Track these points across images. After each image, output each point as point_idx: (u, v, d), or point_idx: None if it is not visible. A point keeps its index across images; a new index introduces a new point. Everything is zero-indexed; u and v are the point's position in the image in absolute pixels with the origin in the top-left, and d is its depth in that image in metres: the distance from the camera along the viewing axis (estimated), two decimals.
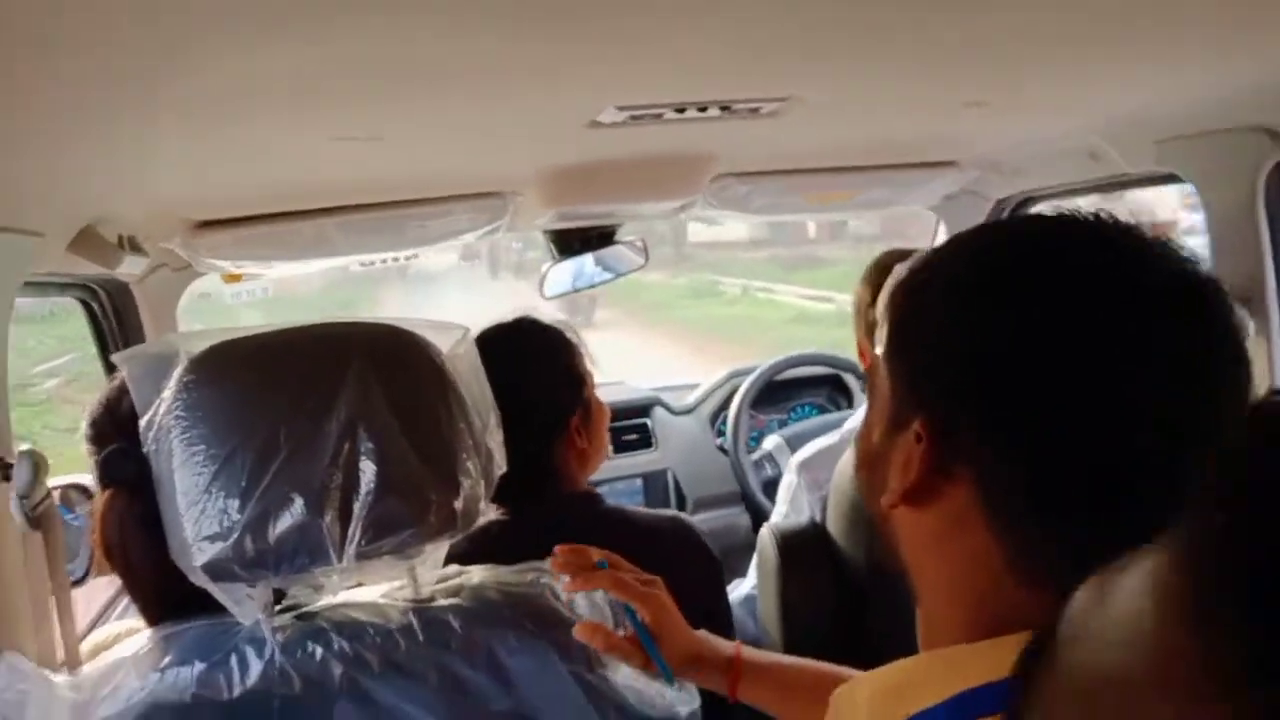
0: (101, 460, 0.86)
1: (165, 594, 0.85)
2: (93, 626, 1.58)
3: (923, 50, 0.94)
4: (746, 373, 2.73)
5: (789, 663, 0.95)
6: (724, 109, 1.12)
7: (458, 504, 0.81)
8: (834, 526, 1.54)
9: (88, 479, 1.48)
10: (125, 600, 1.66)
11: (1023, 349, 0.51)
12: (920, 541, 0.57)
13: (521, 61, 0.87)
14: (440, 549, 0.86)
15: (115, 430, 0.86)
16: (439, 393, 0.84)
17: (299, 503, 0.75)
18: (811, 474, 1.66)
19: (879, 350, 0.60)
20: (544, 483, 1.29)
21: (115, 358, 0.85)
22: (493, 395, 0.93)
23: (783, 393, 2.82)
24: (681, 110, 1.10)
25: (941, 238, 2.34)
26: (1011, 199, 2.03)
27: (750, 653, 0.93)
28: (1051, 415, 0.50)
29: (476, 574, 0.92)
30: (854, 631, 1.51)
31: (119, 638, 1.13)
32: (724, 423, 2.77)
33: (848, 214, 2.28)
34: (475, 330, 1.05)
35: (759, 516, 2.57)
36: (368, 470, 0.77)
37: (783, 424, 2.84)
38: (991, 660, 0.50)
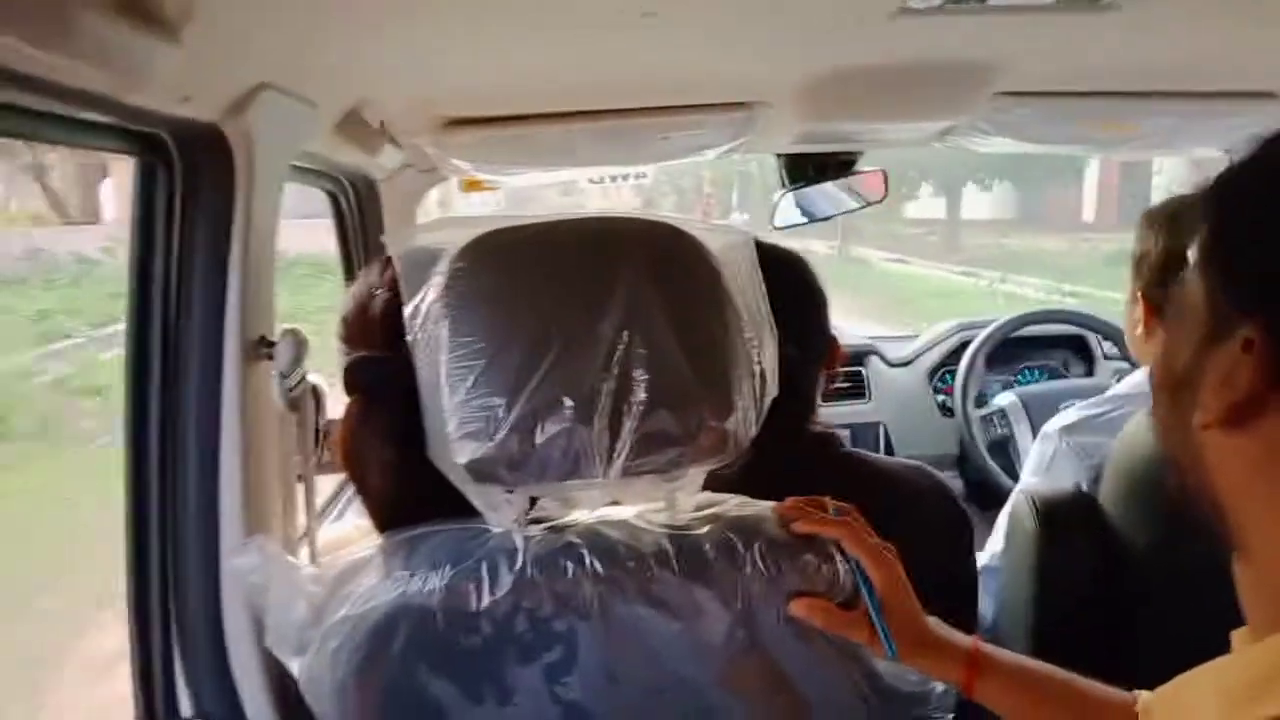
0: (349, 367, 0.84)
1: (398, 505, 0.82)
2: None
3: None
4: (976, 326, 2.54)
5: (1034, 666, 0.84)
6: None
7: (730, 426, 0.75)
8: (1109, 498, 1.35)
9: (314, 377, 1.51)
10: (342, 503, 1.70)
11: None
12: (1241, 472, 0.52)
13: None
14: (702, 474, 0.79)
15: (365, 333, 0.83)
16: (716, 302, 0.77)
17: (569, 407, 0.70)
18: (1079, 440, 1.47)
19: (1189, 262, 0.55)
20: (800, 417, 1.19)
21: (385, 238, 0.81)
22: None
23: (1012, 352, 2.60)
24: None
25: None
26: None
27: (989, 648, 0.82)
28: None
29: (733, 506, 0.84)
30: (1121, 616, 1.33)
31: (348, 537, 1.12)
32: (942, 379, 2.59)
33: (1134, 151, 2.03)
34: None
35: (979, 483, 2.40)
36: (640, 379, 0.71)
37: (1008, 386, 2.62)
38: None
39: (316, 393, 1.50)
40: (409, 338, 0.77)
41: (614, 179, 1.80)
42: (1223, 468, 0.53)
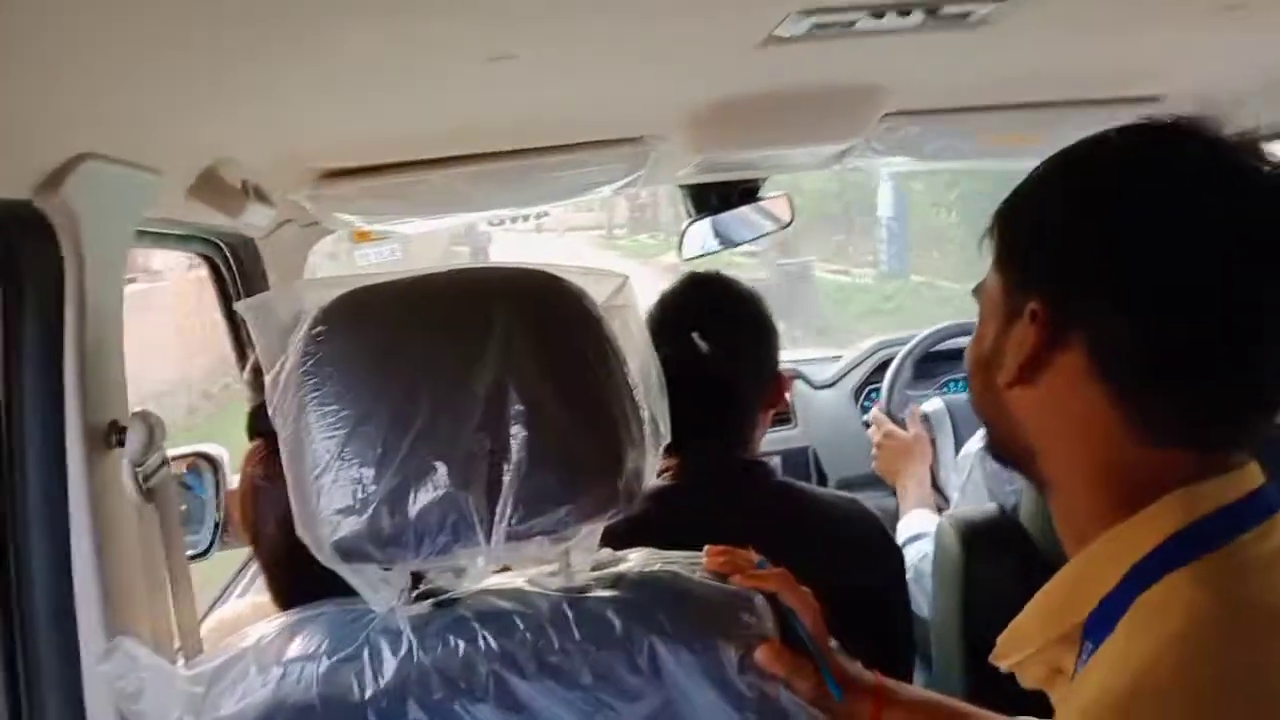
0: (251, 411, 0.82)
1: (297, 565, 0.76)
2: (214, 604, 1.53)
3: None
4: (895, 344, 2.53)
5: (933, 697, 0.87)
6: (930, 13, 0.93)
7: (619, 480, 0.71)
8: (1029, 517, 1.33)
9: (214, 448, 1.43)
10: (249, 575, 1.61)
11: (1129, 221, 0.60)
12: (1039, 415, 0.65)
13: None
14: (596, 531, 0.75)
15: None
16: (597, 350, 0.73)
17: (442, 472, 0.66)
18: (994, 464, 1.45)
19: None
20: (734, 449, 1.20)
21: (239, 306, 0.77)
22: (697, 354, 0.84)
23: (934, 366, 2.59)
24: (879, 15, 0.92)
25: None
26: None
27: (891, 682, 0.84)
28: (1153, 276, 0.60)
29: (635, 560, 0.80)
30: None
31: (242, 617, 1.06)
32: (869, 398, 2.57)
33: (1028, 160, 2.03)
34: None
35: None
36: (519, 437, 0.67)
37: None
38: (1152, 527, 0.59)
39: (214, 463, 1.43)
40: (269, 410, 0.72)
41: (514, 220, 1.75)
42: (1026, 415, 0.66)
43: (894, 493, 2.49)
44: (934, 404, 2.38)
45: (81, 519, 0.87)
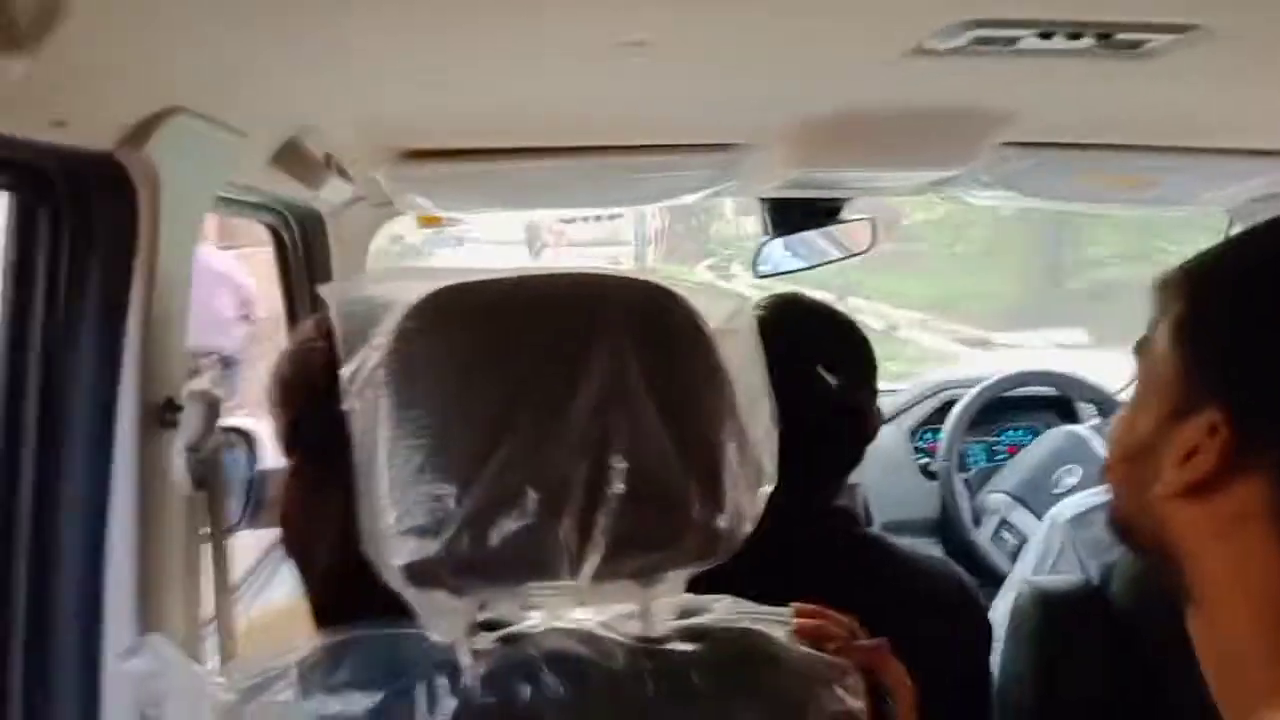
0: (290, 420, 0.73)
1: (343, 589, 0.71)
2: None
3: None
4: (960, 385, 2.44)
5: None
6: (1102, 38, 0.85)
7: (721, 523, 0.64)
8: (1122, 592, 1.24)
9: (247, 421, 1.37)
10: (271, 566, 1.54)
11: None
12: (1197, 538, 0.56)
13: None
14: (683, 577, 0.68)
15: (307, 387, 0.72)
16: (710, 379, 0.67)
17: (532, 499, 0.59)
18: (1090, 534, 1.36)
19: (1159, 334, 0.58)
20: (829, 495, 1.12)
21: (323, 290, 0.69)
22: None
23: (994, 413, 2.50)
24: (1048, 35, 0.84)
25: None
26: None
27: None
28: None
29: (719, 611, 0.73)
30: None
31: (280, 619, 0.99)
32: (923, 438, 2.48)
33: (1137, 208, 1.96)
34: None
35: (962, 552, 2.28)
36: (619, 466, 0.60)
37: (989, 448, 2.53)
38: None
39: (248, 438, 1.36)
40: (347, 408, 0.64)
41: (585, 219, 1.68)
42: (1183, 532, 0.56)
43: (941, 540, 2.42)
44: (999, 500, 2.30)
45: (124, 503, 0.81)
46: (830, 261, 1.98)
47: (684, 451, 0.62)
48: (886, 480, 2.42)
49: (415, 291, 0.66)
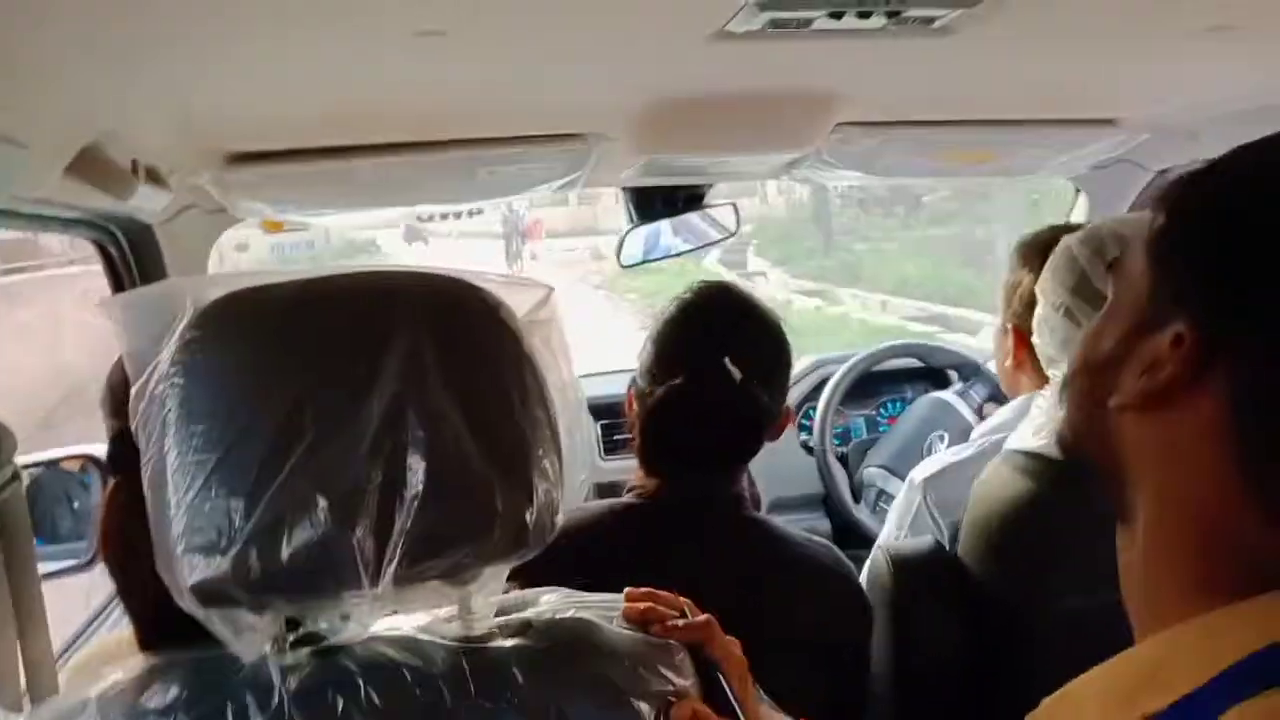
0: (110, 440, 0.70)
1: (164, 611, 0.66)
2: (91, 622, 1.40)
3: None
4: (833, 362, 2.48)
5: None
6: (891, 15, 0.86)
7: (529, 515, 0.63)
8: (971, 553, 1.28)
9: (103, 450, 1.31)
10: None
11: None
12: (1147, 450, 0.55)
13: None
14: (502, 573, 0.67)
15: (123, 405, 0.67)
16: (514, 371, 0.65)
17: (322, 507, 0.58)
18: (940, 494, 1.40)
19: (1124, 254, 0.60)
20: (724, 482, 1.14)
21: (101, 302, 0.66)
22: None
23: (871, 385, 2.56)
24: (838, 15, 0.85)
25: (1081, 213, 2.05)
26: (1174, 170, 1.74)
27: None
28: None
29: (546, 604, 0.72)
30: (982, 675, 1.26)
31: (124, 647, 0.95)
32: (806, 416, 2.53)
33: (980, 178, 2.02)
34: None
35: (844, 524, 2.34)
36: (416, 467, 0.59)
37: (870, 421, 2.59)
38: (1259, 625, 0.48)
39: (101, 466, 1.30)
40: (132, 425, 0.62)
41: (444, 216, 1.64)
42: (1128, 445, 0.56)
43: (827, 514, 2.47)
44: (875, 474, 2.35)
45: None
46: (695, 249, 1.99)
47: (487, 446, 0.61)
48: (772, 458, 2.43)
49: (207, 298, 0.63)
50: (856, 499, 2.35)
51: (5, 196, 0.86)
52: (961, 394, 2.28)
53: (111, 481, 0.71)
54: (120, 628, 1.36)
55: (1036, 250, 1.37)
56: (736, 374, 1.08)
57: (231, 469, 0.58)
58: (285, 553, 0.57)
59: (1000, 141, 1.59)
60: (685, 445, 1.10)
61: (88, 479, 1.43)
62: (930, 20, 0.90)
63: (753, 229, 14.10)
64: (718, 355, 1.08)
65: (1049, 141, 1.59)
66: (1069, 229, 1.32)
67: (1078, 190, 2.06)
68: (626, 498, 1.14)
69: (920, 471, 1.46)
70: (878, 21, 0.87)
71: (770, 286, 13.28)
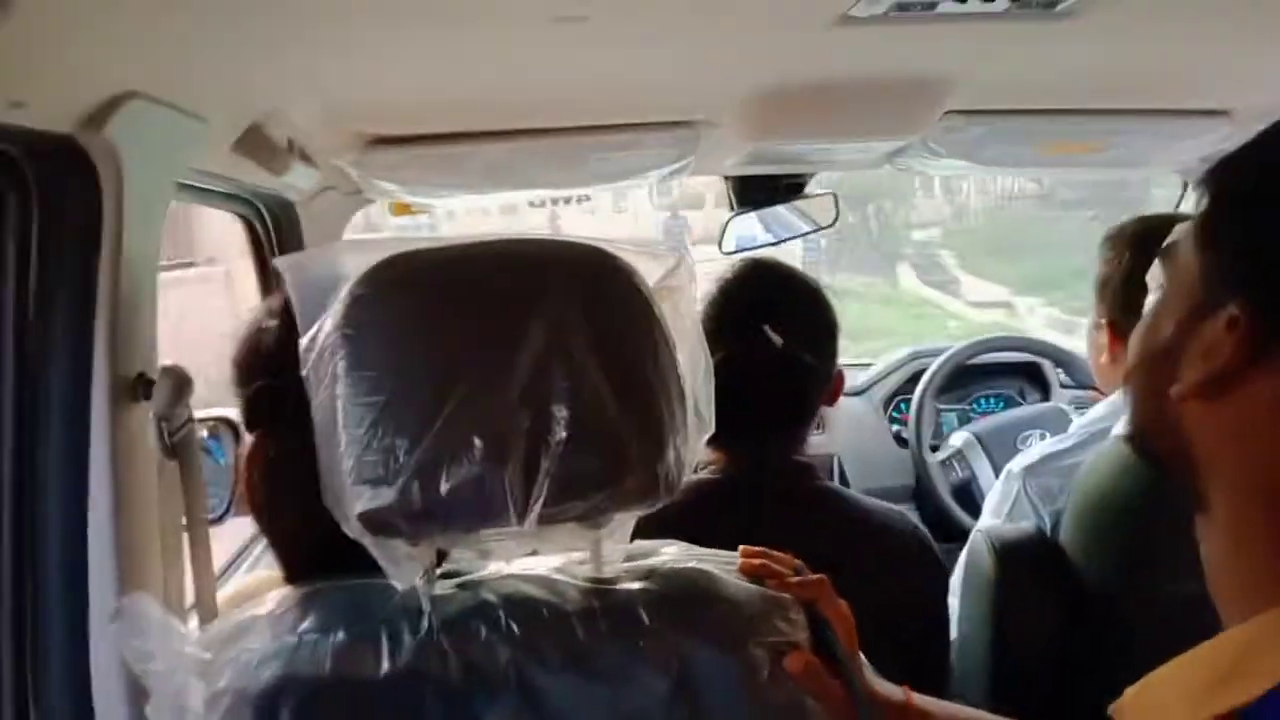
0: (248, 398, 0.76)
1: (310, 552, 0.75)
2: (225, 570, 1.51)
3: None
4: (930, 354, 2.48)
5: (966, 713, 0.82)
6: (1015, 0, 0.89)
7: (660, 467, 0.67)
8: (1070, 542, 1.28)
9: (236, 413, 1.40)
10: (260, 548, 1.58)
11: None
12: (1218, 438, 0.54)
13: None
14: (630, 520, 0.71)
15: (262, 365, 0.76)
16: (648, 331, 0.70)
17: (478, 448, 0.62)
18: (1041, 481, 1.41)
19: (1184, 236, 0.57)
20: (793, 445, 1.18)
21: (278, 262, 0.72)
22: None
23: (966, 380, 2.54)
24: None
25: (1189, 206, 2.01)
26: None
27: (921, 698, 0.79)
28: None
29: (668, 555, 0.77)
30: (1082, 662, 1.26)
31: (263, 587, 1.03)
32: (898, 408, 2.53)
33: (1082, 172, 2.00)
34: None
35: (937, 518, 2.33)
36: (560, 415, 0.63)
37: (963, 416, 2.58)
38: None
39: (234, 427, 1.40)
40: (303, 373, 0.68)
41: (555, 201, 1.71)
42: (1198, 435, 0.55)
43: (917, 508, 2.47)
44: (961, 436, 2.35)
45: (102, 472, 0.84)
46: (795, 237, 2.01)
47: (624, 400, 0.65)
48: (862, 450, 2.46)
49: (365, 263, 0.69)
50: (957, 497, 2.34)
51: (185, 169, 0.94)
52: (1079, 406, 2.28)
53: (250, 439, 0.78)
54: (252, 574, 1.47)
55: (1126, 241, 1.37)
56: (778, 340, 1.12)
57: (397, 411, 0.63)
58: (444, 487, 0.62)
59: (1109, 131, 1.58)
60: (737, 415, 1.13)
61: (215, 442, 1.53)
62: (1053, 3, 0.92)
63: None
64: (758, 324, 1.13)
65: (1159, 132, 1.57)
66: (1162, 219, 1.32)
67: (1185, 185, 2.02)
68: (703, 473, 1.18)
69: (1019, 462, 1.47)
70: (1001, 4, 0.90)
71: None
